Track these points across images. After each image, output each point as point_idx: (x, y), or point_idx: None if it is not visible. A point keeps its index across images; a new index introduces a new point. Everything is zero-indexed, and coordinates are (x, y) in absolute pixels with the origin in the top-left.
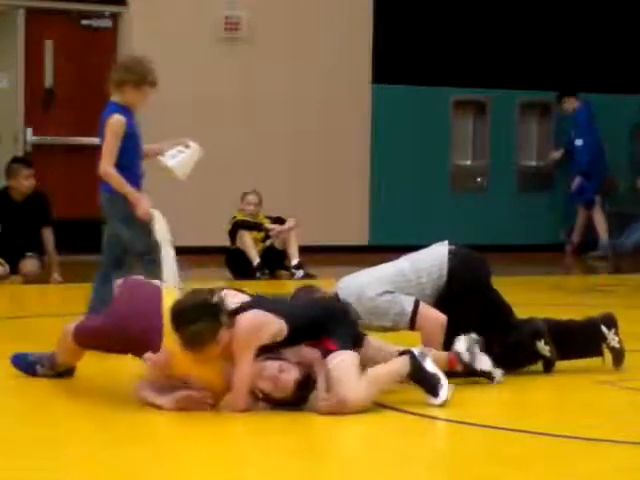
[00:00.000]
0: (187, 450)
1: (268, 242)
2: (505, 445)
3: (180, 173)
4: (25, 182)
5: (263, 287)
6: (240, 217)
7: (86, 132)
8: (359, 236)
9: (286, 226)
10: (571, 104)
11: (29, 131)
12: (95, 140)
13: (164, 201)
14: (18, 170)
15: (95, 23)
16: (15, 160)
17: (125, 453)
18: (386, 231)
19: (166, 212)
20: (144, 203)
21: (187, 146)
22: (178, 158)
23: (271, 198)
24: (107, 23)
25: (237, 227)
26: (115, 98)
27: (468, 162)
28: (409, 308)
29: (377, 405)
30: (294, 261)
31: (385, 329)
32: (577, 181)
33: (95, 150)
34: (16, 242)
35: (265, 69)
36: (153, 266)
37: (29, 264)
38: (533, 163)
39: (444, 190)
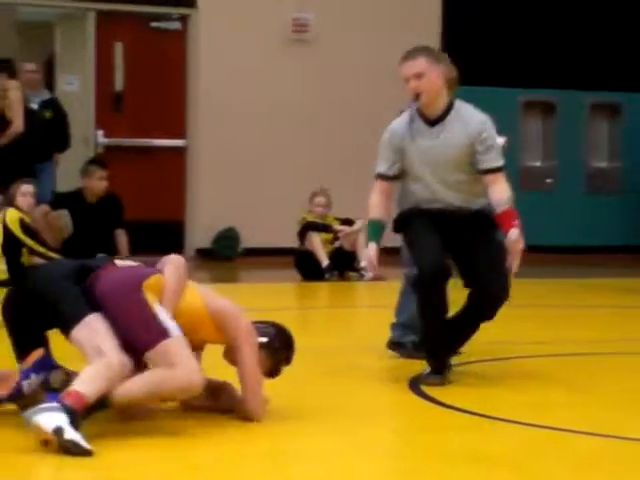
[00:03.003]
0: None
1: (337, 243)
2: (572, 447)
3: None
4: (99, 183)
5: (332, 289)
6: (309, 218)
7: (155, 134)
8: None
9: (355, 227)
10: None
11: (99, 133)
12: (165, 142)
13: (234, 203)
14: (93, 171)
15: (164, 25)
16: (91, 161)
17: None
18: None
19: (236, 214)
20: None
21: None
22: None
23: (340, 199)
24: (176, 25)
25: (306, 229)
26: None
27: (537, 163)
28: None
29: (435, 403)
30: (363, 262)
31: None
32: None
33: (164, 151)
34: (88, 243)
35: (332, 70)
36: None
37: None
38: (603, 164)
39: (515, 191)
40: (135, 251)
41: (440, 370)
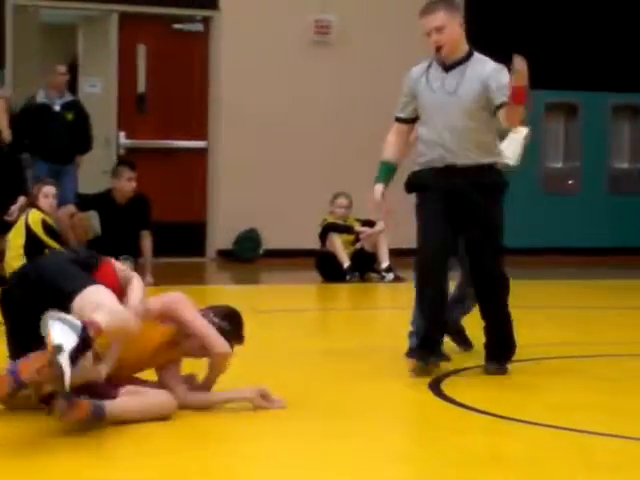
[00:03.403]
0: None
1: (358, 245)
2: (593, 449)
3: (511, 161)
4: (128, 184)
5: (353, 290)
6: (330, 220)
7: (178, 135)
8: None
9: (376, 229)
10: None
11: (122, 135)
12: (187, 143)
13: (255, 205)
14: (122, 171)
15: (187, 27)
16: (120, 162)
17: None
18: None
19: (257, 215)
20: None
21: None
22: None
23: (361, 200)
24: (199, 27)
25: (327, 230)
26: None
27: (559, 164)
28: None
29: (456, 404)
30: (384, 264)
31: None
32: None
33: (186, 153)
34: (114, 245)
35: (355, 72)
36: None
37: None
38: (625, 165)
39: (535, 192)
40: (157, 253)
41: (433, 349)
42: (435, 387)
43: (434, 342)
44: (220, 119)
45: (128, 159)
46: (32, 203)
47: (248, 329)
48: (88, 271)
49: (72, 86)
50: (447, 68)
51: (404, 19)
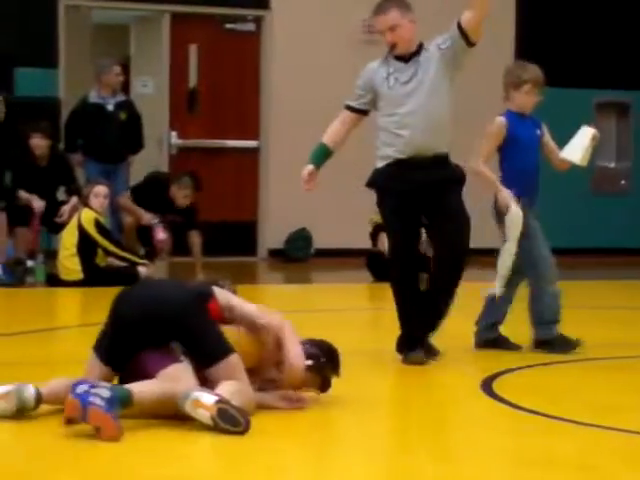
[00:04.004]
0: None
1: None
2: None
3: (573, 159)
4: (183, 200)
5: None
6: (379, 219)
7: (229, 135)
8: (499, 239)
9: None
10: None
11: (173, 134)
12: (238, 143)
13: (306, 204)
14: (183, 186)
15: (238, 27)
16: (189, 174)
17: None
18: None
19: (308, 215)
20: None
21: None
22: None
23: None
24: (250, 27)
25: (378, 229)
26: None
27: (611, 164)
28: None
29: (507, 405)
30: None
31: None
32: None
33: (237, 152)
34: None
35: None
36: None
37: None
38: None
39: (586, 192)
40: (209, 252)
41: (419, 345)
42: (487, 387)
43: (421, 339)
44: (271, 119)
45: (194, 174)
46: (84, 203)
47: (301, 328)
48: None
49: (125, 86)
50: (405, 60)
51: (454, 15)
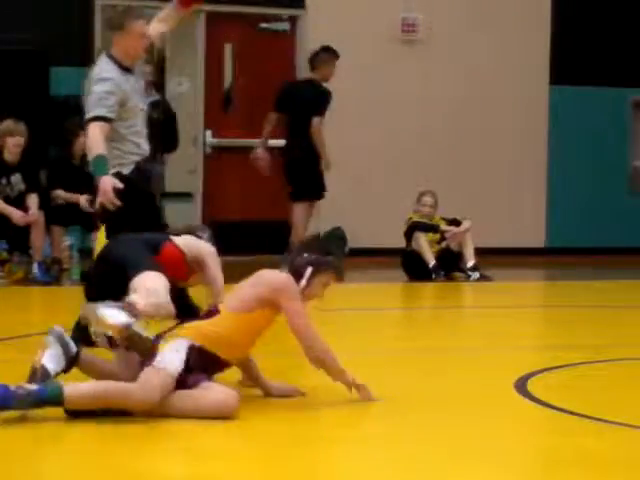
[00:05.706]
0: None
1: (444, 244)
2: None
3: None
4: None
5: (439, 289)
6: (416, 218)
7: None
8: (535, 238)
9: (462, 228)
10: None
11: (208, 133)
12: (273, 142)
13: (341, 203)
14: None
15: (273, 26)
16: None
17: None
18: (562, 233)
19: (343, 214)
20: None
21: None
22: None
23: (445, 199)
24: (285, 26)
25: (413, 229)
26: None
27: None
28: None
29: (542, 405)
30: (470, 263)
31: None
32: None
33: (273, 151)
34: None
35: (441, 70)
36: None
37: None
38: None
39: (622, 192)
40: (241, 251)
41: None
42: (521, 386)
43: None
44: None
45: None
46: None
47: (333, 329)
48: (151, 253)
49: (160, 85)
50: (129, 70)
51: (491, 17)
